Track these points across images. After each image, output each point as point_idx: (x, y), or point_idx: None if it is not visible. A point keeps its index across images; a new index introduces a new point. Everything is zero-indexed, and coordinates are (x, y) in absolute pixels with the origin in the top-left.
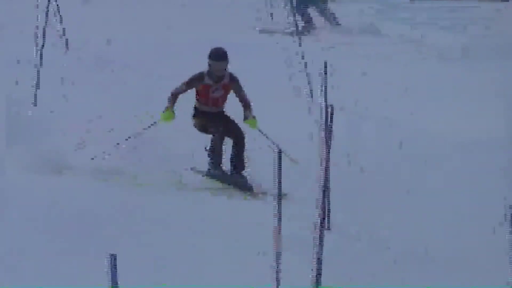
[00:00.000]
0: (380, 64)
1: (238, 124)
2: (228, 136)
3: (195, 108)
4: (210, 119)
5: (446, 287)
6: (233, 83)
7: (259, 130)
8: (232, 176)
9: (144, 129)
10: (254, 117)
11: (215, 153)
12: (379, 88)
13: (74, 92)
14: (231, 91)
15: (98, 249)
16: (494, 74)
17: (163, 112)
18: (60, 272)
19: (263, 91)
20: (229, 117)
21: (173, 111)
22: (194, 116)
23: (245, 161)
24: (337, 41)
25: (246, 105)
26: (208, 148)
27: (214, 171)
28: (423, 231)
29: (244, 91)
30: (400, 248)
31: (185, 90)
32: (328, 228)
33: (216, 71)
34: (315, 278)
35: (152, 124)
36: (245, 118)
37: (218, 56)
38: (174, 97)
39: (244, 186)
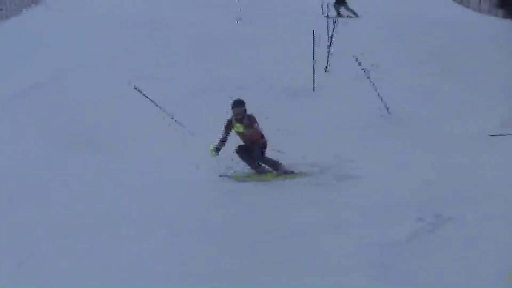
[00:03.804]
0: None
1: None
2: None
3: None
4: (240, 148)
5: None
6: (249, 122)
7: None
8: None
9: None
10: (243, 126)
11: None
12: None
13: None
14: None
15: None
16: None
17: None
18: None
19: None
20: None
21: (216, 151)
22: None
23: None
24: None
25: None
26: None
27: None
28: None
29: (255, 128)
30: None
31: (226, 135)
32: None
33: (234, 115)
34: None
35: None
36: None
37: (234, 104)
38: (220, 141)
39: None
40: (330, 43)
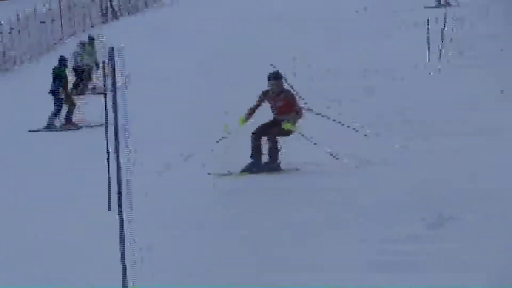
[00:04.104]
0: None
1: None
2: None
3: None
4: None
5: None
6: (288, 97)
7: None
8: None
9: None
10: (289, 120)
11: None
12: None
13: None
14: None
15: None
16: None
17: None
18: None
19: None
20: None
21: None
22: None
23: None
24: None
25: (295, 113)
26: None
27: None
28: None
29: (295, 104)
30: None
31: (259, 103)
32: None
33: (273, 87)
34: None
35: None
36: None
37: (271, 76)
38: (250, 109)
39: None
40: (442, 32)
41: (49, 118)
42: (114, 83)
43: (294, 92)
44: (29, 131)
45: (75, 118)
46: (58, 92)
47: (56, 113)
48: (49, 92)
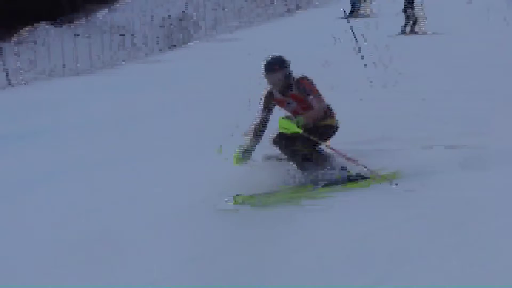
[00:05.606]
0: None
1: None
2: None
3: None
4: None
5: None
6: (301, 89)
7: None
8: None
9: None
10: (294, 121)
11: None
12: None
13: None
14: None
15: None
16: None
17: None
18: None
19: None
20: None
21: (246, 153)
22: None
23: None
24: None
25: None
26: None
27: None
28: None
29: (310, 96)
30: None
31: (265, 115)
32: None
33: (271, 84)
34: None
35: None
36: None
37: (265, 68)
38: (252, 130)
39: None
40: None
41: (401, 27)
42: None
43: (310, 79)
44: (397, 34)
45: (418, 28)
46: (406, 10)
47: (406, 24)
48: (402, 10)
